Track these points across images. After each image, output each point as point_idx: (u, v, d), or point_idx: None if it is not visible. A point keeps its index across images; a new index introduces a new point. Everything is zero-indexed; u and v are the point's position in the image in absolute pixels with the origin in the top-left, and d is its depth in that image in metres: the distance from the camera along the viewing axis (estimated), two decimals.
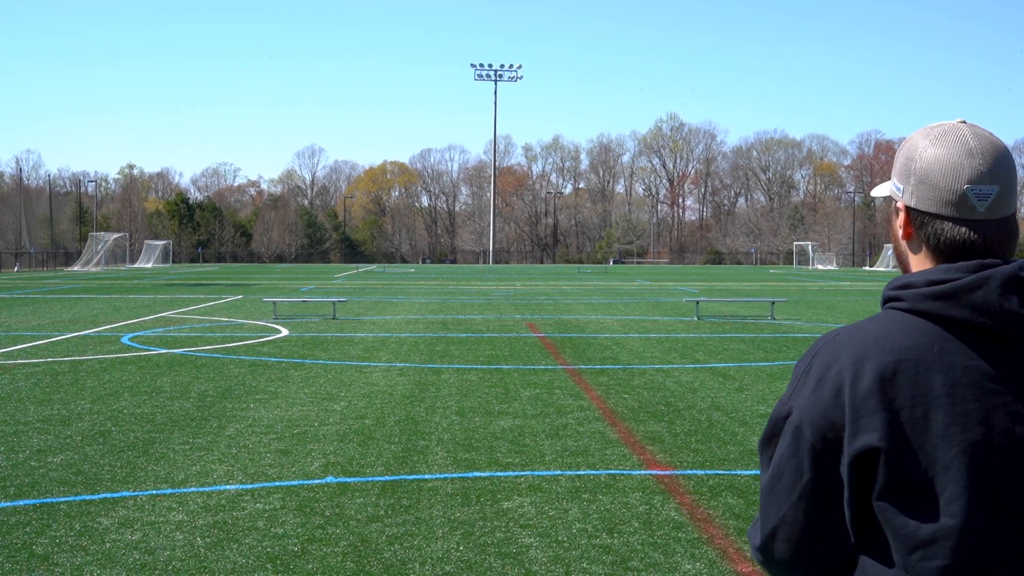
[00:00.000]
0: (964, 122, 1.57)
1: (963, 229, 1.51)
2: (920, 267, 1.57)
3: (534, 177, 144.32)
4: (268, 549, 5.34)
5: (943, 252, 1.53)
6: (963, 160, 1.51)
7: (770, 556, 1.57)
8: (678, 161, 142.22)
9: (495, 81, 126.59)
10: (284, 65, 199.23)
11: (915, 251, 1.58)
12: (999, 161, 1.51)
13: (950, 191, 1.50)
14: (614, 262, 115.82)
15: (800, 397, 1.54)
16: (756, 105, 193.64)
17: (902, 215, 1.58)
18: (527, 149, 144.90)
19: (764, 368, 13.33)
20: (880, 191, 1.69)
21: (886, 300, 1.56)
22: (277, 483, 6.79)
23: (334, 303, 22.98)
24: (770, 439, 1.58)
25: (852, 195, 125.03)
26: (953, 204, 1.51)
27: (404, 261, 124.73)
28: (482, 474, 7.08)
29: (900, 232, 1.60)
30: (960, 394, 1.44)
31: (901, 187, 1.58)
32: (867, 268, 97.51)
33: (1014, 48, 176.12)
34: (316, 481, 6.84)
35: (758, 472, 7.33)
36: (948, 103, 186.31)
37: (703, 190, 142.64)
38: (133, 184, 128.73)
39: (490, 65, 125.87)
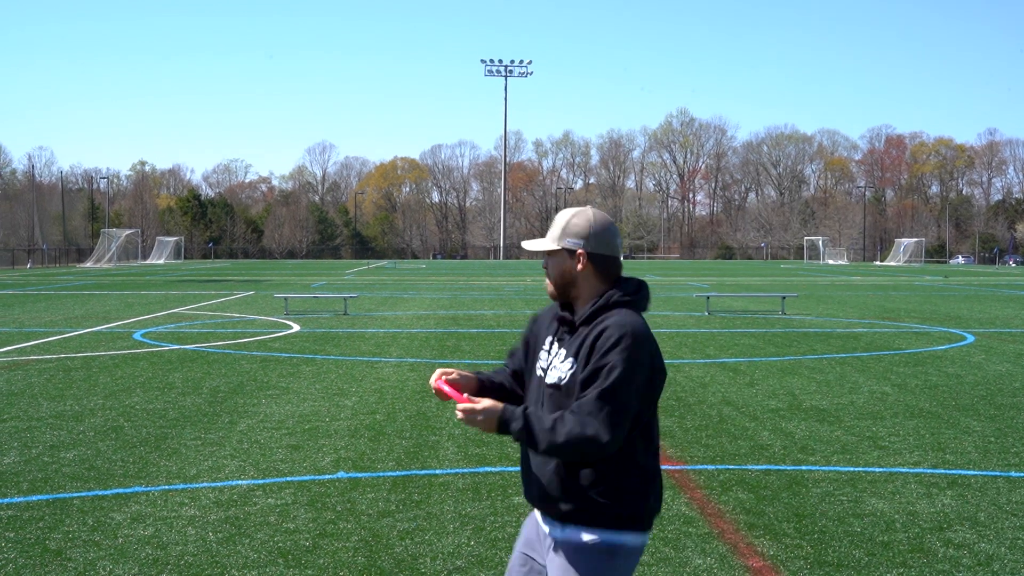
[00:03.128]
0: (591, 206, 2.89)
1: (619, 262, 2.81)
2: (589, 284, 2.78)
3: (544, 172, 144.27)
4: (280, 544, 5.36)
5: (610, 276, 2.78)
6: (612, 225, 2.82)
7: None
8: (688, 156, 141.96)
9: (505, 77, 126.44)
10: (294, 62, 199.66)
11: (588, 277, 2.77)
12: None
13: (615, 242, 2.80)
14: (625, 257, 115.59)
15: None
16: (766, 100, 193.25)
17: (583, 258, 2.76)
18: (537, 144, 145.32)
19: (775, 363, 13.31)
20: (544, 245, 2.82)
21: (622, 304, 2.72)
22: (289, 478, 6.81)
23: (345, 299, 23.04)
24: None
25: (863, 190, 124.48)
26: (616, 248, 2.80)
27: (415, 257, 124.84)
28: (493, 469, 7.09)
29: (579, 266, 2.76)
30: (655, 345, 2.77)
31: (581, 241, 2.76)
32: (878, 263, 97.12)
33: (1014, 48, 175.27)
34: (327, 476, 6.85)
35: (769, 467, 7.27)
36: (954, 98, 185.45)
37: (713, 185, 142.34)
38: (145, 181, 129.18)
39: (500, 61, 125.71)
